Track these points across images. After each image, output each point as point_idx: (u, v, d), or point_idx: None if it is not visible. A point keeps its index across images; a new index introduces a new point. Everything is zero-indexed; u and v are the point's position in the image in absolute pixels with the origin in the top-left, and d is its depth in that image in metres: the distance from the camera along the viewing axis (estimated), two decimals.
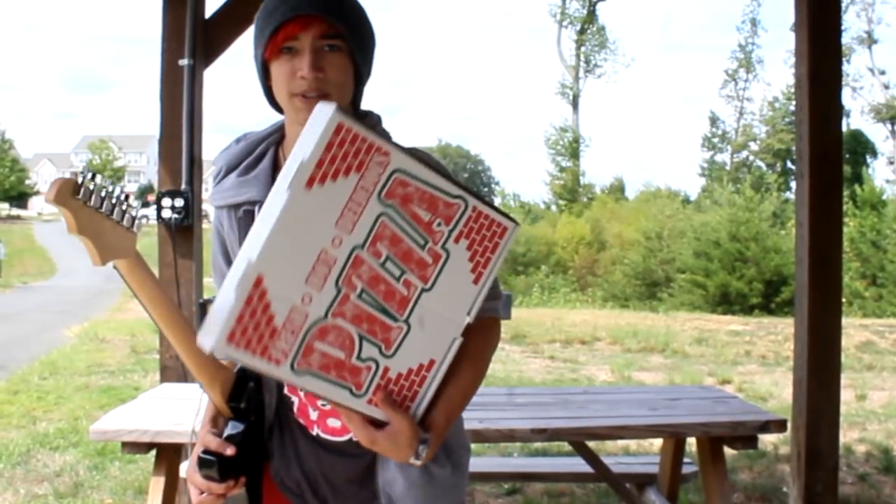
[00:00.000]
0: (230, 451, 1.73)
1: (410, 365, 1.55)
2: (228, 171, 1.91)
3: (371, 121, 1.90)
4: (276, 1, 1.74)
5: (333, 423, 1.87)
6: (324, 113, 1.39)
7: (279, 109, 1.87)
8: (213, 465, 1.72)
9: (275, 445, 1.92)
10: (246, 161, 1.90)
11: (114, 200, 1.54)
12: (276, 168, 1.87)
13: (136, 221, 1.59)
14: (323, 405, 1.86)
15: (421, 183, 1.49)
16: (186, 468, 1.80)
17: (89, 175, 1.51)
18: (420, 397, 1.58)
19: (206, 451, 1.73)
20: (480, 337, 1.76)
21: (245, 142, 1.93)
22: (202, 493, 1.75)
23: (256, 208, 1.82)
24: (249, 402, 1.80)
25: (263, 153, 1.90)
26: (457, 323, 1.58)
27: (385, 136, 1.81)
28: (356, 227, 1.43)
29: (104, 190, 1.53)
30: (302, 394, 1.87)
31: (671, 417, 3.78)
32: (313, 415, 1.88)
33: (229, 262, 1.93)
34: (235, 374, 1.78)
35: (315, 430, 1.89)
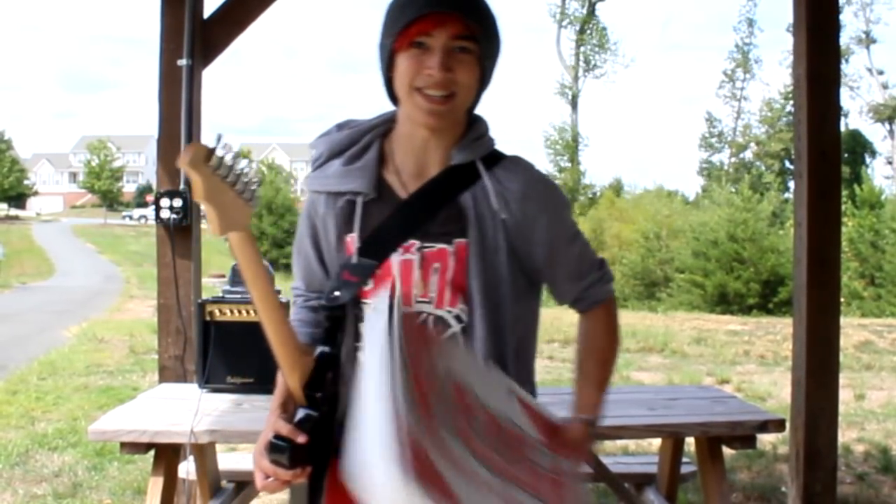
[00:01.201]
0: (301, 438, 1.71)
1: None
2: (331, 157, 1.90)
3: (480, 129, 1.90)
4: None
5: None
6: None
7: (394, 102, 1.87)
8: (284, 450, 1.71)
9: (347, 441, 1.89)
10: (351, 150, 1.88)
11: (238, 172, 1.55)
12: (381, 161, 1.87)
13: (255, 196, 1.61)
14: None
15: None
16: (255, 450, 1.78)
17: (222, 144, 1.51)
18: None
19: (277, 436, 1.72)
20: (601, 319, 1.99)
21: (349, 130, 1.92)
22: (267, 477, 1.74)
23: (358, 199, 1.84)
24: (325, 391, 1.79)
25: (369, 144, 1.89)
26: None
27: (490, 145, 1.88)
28: None
29: (233, 160, 1.54)
30: None
31: (670, 417, 3.78)
32: None
33: (317, 247, 1.96)
34: (315, 362, 1.80)
35: None
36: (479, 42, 1.74)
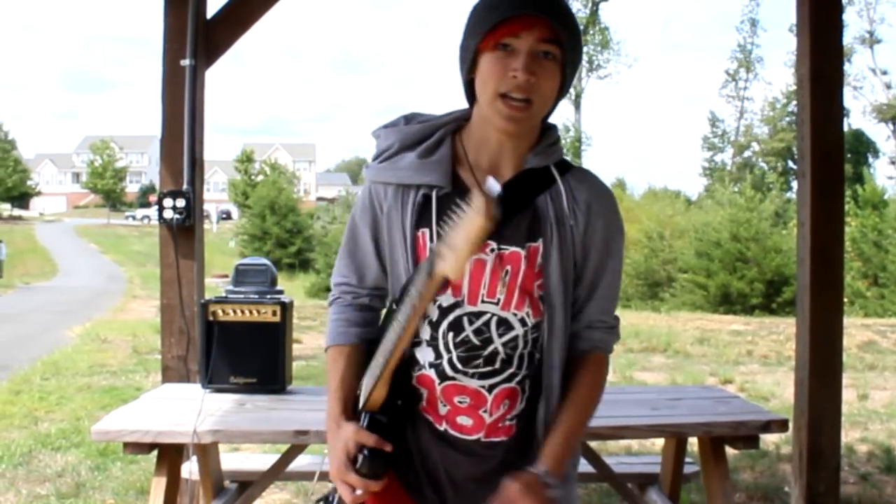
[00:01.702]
0: (388, 447, 1.76)
1: None
2: (402, 149, 1.89)
3: (553, 136, 1.91)
4: None
5: (464, 420, 1.87)
6: None
7: (471, 102, 1.88)
8: (379, 461, 1.75)
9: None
10: (425, 144, 1.88)
11: None
12: (455, 158, 1.88)
13: None
14: (460, 402, 1.86)
15: None
16: (335, 468, 1.80)
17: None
18: None
19: (370, 449, 1.75)
20: (593, 370, 1.95)
21: (418, 123, 1.91)
22: (356, 490, 1.77)
23: (434, 193, 1.84)
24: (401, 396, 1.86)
25: (442, 139, 1.88)
26: None
27: (561, 153, 1.90)
28: None
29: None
30: (438, 388, 1.87)
31: (673, 417, 3.78)
32: (443, 410, 1.88)
33: (376, 241, 1.95)
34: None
35: (443, 426, 1.88)
36: (564, 48, 1.74)
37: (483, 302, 1.83)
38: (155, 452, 3.52)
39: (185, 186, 4.50)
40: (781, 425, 3.68)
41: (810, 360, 4.31)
